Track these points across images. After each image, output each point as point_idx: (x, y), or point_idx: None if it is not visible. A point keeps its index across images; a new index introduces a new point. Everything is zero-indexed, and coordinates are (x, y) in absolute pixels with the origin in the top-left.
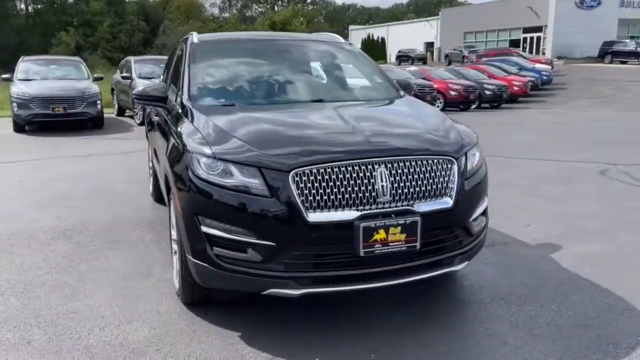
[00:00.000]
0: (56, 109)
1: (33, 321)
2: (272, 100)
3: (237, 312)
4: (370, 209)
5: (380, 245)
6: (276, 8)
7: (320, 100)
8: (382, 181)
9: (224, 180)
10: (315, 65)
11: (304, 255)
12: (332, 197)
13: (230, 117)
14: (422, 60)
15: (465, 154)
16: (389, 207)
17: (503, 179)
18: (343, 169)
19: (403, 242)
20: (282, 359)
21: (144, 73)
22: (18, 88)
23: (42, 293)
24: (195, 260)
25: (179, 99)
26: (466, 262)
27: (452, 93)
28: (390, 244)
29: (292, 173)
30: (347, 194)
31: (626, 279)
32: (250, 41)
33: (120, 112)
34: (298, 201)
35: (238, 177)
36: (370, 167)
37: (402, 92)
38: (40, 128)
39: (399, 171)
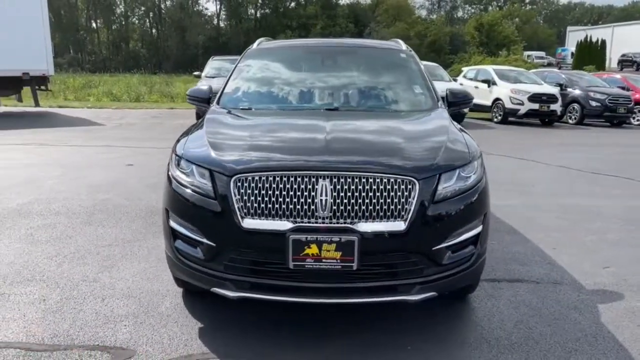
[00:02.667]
0: None
1: (62, 283)
2: (286, 105)
3: (222, 306)
4: (307, 223)
5: (312, 261)
6: (490, 8)
7: (335, 109)
8: (322, 195)
9: (187, 179)
10: (358, 72)
11: (241, 260)
12: (269, 205)
13: (225, 121)
14: None
15: (439, 175)
16: (329, 223)
17: (627, 209)
18: (285, 179)
19: (338, 261)
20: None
21: None
22: (201, 84)
23: (90, 261)
24: (166, 251)
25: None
26: (431, 294)
27: None
28: (324, 260)
29: (234, 178)
30: (284, 204)
31: None
32: (302, 48)
33: None
34: (236, 206)
35: (196, 178)
36: (313, 180)
37: (440, 104)
38: None
39: (345, 187)
